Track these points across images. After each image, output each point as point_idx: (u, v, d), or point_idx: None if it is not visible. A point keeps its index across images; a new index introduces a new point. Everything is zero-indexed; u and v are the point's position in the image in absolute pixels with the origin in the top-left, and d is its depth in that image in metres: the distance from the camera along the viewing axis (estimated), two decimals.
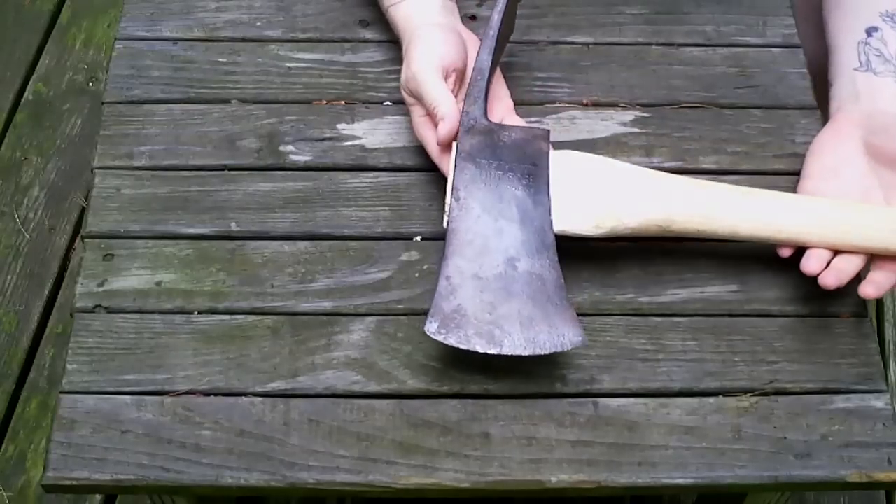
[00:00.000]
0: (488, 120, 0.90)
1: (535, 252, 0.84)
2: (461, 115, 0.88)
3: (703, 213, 0.87)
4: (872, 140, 0.91)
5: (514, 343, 0.81)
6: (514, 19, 0.99)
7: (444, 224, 0.85)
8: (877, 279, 0.86)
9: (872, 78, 0.93)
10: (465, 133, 0.88)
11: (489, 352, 0.81)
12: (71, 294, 0.89)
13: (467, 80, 0.93)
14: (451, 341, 0.81)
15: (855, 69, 0.93)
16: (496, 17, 0.93)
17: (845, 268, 0.85)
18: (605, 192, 0.87)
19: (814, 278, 0.85)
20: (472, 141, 0.88)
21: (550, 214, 0.85)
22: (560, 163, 0.88)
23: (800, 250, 0.87)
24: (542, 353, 0.81)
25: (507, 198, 0.86)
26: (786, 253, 0.87)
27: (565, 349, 0.82)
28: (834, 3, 0.99)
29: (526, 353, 0.81)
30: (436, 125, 0.89)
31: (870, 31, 0.94)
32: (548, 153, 0.88)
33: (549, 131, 0.90)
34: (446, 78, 0.91)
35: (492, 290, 0.82)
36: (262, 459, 0.80)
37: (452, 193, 0.85)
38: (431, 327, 0.81)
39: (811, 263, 0.85)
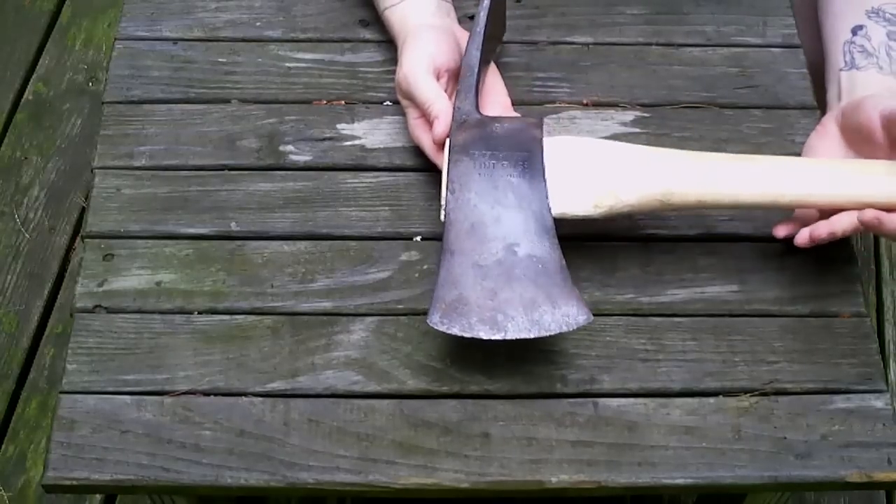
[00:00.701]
0: (480, 113, 0.89)
1: (534, 236, 0.83)
2: (453, 112, 0.88)
3: (703, 182, 0.86)
4: (845, 124, 0.89)
5: (519, 327, 0.80)
6: (503, 17, 0.99)
7: (442, 218, 0.85)
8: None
9: (855, 74, 0.92)
10: (458, 128, 0.88)
11: (493, 338, 0.80)
12: (71, 294, 0.89)
13: None
14: (455, 331, 0.80)
15: (840, 69, 0.93)
16: (482, 14, 0.93)
17: (837, 219, 0.84)
18: (602, 172, 0.86)
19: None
20: (464, 134, 0.87)
21: (547, 198, 0.85)
22: (554, 148, 0.87)
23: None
24: (548, 334, 0.80)
25: (502, 185, 0.85)
26: (781, 232, 0.86)
27: (570, 329, 0.80)
28: (826, 8, 0.99)
29: (531, 335, 0.80)
30: (430, 125, 0.89)
31: (855, 31, 0.94)
32: (541, 140, 0.87)
33: (542, 119, 0.89)
34: (438, 78, 0.91)
35: (492, 277, 0.82)
36: (262, 459, 0.80)
37: (448, 186, 0.85)
38: (434, 318, 0.80)
39: (803, 235, 0.84)
